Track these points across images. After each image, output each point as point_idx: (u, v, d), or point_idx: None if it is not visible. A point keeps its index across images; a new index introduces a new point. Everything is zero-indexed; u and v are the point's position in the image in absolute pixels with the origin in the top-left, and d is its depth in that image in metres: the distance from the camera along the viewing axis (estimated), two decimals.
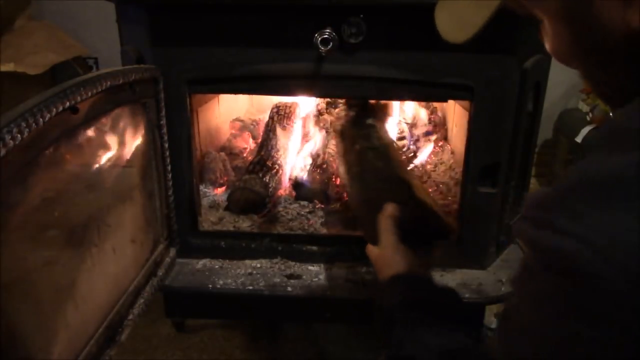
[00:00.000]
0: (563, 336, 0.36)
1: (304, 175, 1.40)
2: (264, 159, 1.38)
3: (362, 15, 0.97)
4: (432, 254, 0.88)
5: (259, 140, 1.52)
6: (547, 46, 0.49)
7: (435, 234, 0.87)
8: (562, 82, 2.07)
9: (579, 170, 0.37)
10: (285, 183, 1.40)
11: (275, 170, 1.36)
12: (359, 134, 1.20)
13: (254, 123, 1.67)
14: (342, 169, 1.18)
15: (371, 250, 0.85)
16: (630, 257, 0.31)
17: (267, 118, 1.57)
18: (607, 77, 0.46)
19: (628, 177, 0.33)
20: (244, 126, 1.64)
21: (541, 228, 0.36)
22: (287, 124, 1.52)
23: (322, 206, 1.30)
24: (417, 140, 1.58)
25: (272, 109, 1.55)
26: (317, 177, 1.38)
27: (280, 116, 1.53)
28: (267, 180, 1.30)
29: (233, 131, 1.63)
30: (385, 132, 1.31)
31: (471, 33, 0.55)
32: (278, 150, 1.43)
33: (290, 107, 1.58)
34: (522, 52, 1.02)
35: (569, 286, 0.35)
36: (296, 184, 1.36)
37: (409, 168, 1.40)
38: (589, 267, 0.33)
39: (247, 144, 1.61)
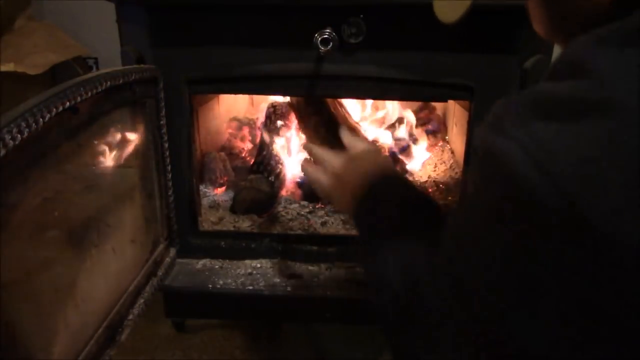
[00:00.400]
0: (486, 236, 0.41)
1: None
2: (267, 159, 1.38)
3: (362, 15, 0.97)
4: None
5: (258, 140, 1.52)
6: (533, 24, 0.53)
7: None
8: None
9: (533, 89, 0.41)
10: (288, 183, 1.40)
11: (278, 170, 1.36)
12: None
13: (252, 122, 1.67)
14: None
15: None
16: (559, 168, 0.34)
17: (264, 118, 1.56)
18: None
19: (566, 97, 0.37)
20: (241, 125, 1.64)
21: (493, 131, 0.40)
22: (284, 123, 1.52)
23: (322, 206, 1.30)
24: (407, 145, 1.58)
25: (268, 108, 1.55)
26: None
27: (277, 115, 1.53)
28: (272, 180, 1.31)
29: (230, 130, 1.63)
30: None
31: (460, 12, 0.59)
32: (279, 150, 1.43)
33: (286, 106, 1.58)
34: (522, 52, 1.02)
35: (500, 188, 0.38)
36: (302, 183, 1.36)
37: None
38: (521, 169, 0.35)
39: (246, 144, 1.61)
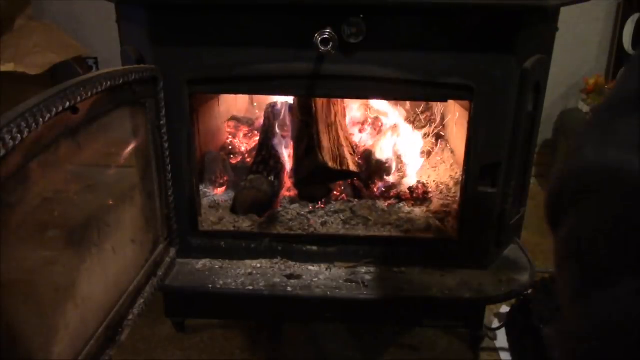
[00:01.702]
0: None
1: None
2: (267, 159, 1.38)
3: (362, 15, 0.97)
4: None
5: (257, 140, 1.52)
6: None
7: None
8: (562, 82, 2.07)
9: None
10: (288, 182, 1.40)
11: (278, 169, 1.36)
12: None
13: (250, 122, 1.67)
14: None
15: None
16: None
17: (263, 118, 1.56)
18: None
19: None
20: (240, 125, 1.64)
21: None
22: (283, 123, 1.52)
23: (322, 206, 1.30)
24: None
25: (267, 108, 1.55)
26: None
27: (276, 115, 1.53)
28: (272, 180, 1.31)
29: (229, 129, 1.63)
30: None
31: None
32: (278, 150, 1.43)
33: (284, 106, 1.58)
34: (522, 52, 1.02)
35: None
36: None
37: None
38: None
39: (245, 144, 1.61)
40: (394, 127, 1.56)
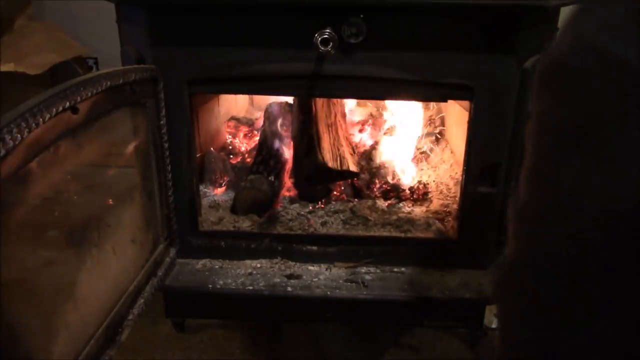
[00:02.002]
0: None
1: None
2: (267, 159, 1.38)
3: (362, 15, 0.96)
4: None
5: (257, 140, 1.52)
6: None
7: None
8: None
9: None
10: (288, 182, 1.40)
11: (278, 169, 1.36)
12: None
13: (250, 122, 1.67)
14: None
15: None
16: None
17: (263, 118, 1.57)
18: None
19: None
20: (239, 125, 1.64)
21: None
22: (283, 123, 1.52)
23: (322, 206, 1.30)
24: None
25: (267, 108, 1.55)
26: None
27: (276, 115, 1.53)
28: (272, 180, 1.31)
29: (229, 130, 1.63)
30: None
31: None
32: (278, 150, 1.43)
33: (284, 106, 1.58)
34: (522, 52, 1.02)
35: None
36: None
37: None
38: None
39: (245, 144, 1.61)
40: (394, 128, 1.56)
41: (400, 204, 1.33)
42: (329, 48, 0.96)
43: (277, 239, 1.20)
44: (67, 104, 0.67)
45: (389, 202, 1.34)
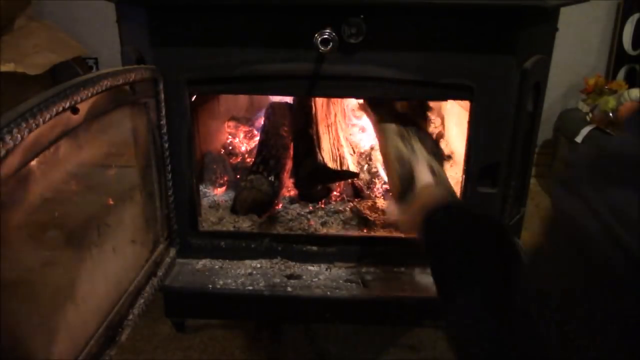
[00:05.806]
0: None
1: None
2: (267, 159, 1.38)
3: (362, 15, 0.97)
4: None
5: (257, 140, 1.52)
6: None
7: None
8: (562, 82, 2.07)
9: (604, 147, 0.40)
10: (288, 182, 1.40)
11: (278, 169, 1.36)
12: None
13: (250, 122, 1.67)
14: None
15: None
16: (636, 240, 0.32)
17: (263, 118, 1.57)
18: None
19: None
20: (239, 125, 1.64)
21: (566, 189, 0.39)
22: (283, 123, 1.52)
23: (322, 206, 1.30)
24: None
25: (267, 108, 1.55)
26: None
27: (276, 115, 1.53)
28: (272, 180, 1.31)
29: (229, 130, 1.63)
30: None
31: None
32: (279, 150, 1.43)
33: (284, 106, 1.58)
34: (522, 52, 1.02)
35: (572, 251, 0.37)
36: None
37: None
38: (595, 237, 0.34)
39: (245, 144, 1.61)
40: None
41: None
42: (328, 48, 0.96)
43: (277, 239, 1.20)
44: (67, 104, 0.67)
45: (389, 202, 1.34)
